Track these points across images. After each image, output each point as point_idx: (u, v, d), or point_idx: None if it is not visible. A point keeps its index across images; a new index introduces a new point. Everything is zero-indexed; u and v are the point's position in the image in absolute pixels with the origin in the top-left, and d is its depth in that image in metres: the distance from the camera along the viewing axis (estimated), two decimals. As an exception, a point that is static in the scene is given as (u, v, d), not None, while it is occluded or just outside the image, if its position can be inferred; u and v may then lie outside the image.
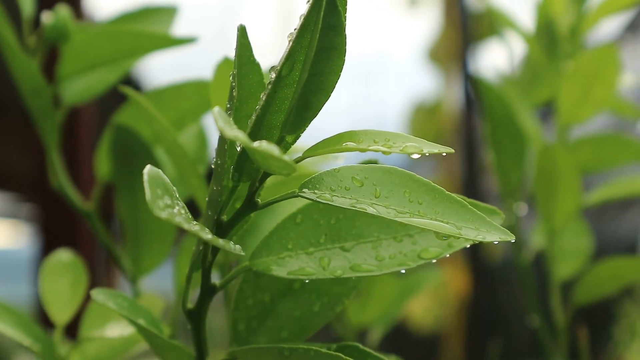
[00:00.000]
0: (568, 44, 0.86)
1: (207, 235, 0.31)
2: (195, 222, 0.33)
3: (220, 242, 0.32)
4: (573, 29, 0.86)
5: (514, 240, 0.35)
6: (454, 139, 2.69)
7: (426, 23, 3.04)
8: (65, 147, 1.61)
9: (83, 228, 1.81)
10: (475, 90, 0.89)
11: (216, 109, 0.29)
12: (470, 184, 2.57)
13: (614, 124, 2.20)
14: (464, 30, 2.82)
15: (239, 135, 0.28)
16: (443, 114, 2.81)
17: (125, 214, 0.67)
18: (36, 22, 0.68)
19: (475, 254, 2.54)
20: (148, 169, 0.31)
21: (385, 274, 0.94)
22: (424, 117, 2.81)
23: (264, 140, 0.29)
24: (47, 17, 0.65)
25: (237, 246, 0.34)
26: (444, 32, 2.85)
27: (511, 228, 0.90)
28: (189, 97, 0.68)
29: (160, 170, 0.32)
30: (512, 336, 2.99)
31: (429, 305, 2.43)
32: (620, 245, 2.67)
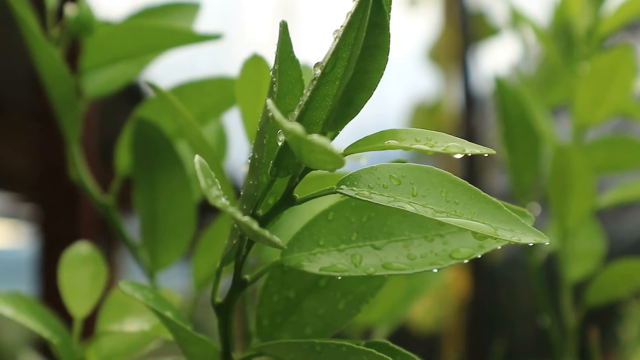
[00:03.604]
0: (584, 45, 0.86)
1: (255, 226, 0.31)
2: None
3: (267, 234, 0.32)
4: (590, 31, 0.86)
5: (548, 243, 0.36)
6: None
7: (426, 23, 3.04)
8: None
9: (83, 228, 1.81)
10: (492, 89, 0.88)
11: (269, 101, 0.30)
12: (470, 184, 2.57)
13: (614, 125, 2.21)
14: (464, 30, 2.82)
15: (296, 128, 0.28)
16: (443, 114, 2.81)
17: (143, 209, 0.67)
18: (59, 14, 0.68)
19: (476, 254, 2.53)
20: (197, 158, 0.32)
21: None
22: (424, 117, 2.82)
23: (315, 134, 0.29)
24: (70, 10, 0.65)
25: (278, 239, 0.34)
26: (444, 32, 2.85)
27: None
28: (212, 93, 0.68)
29: (205, 161, 0.32)
30: (512, 336, 2.99)
31: (430, 306, 2.43)
32: (621, 246, 2.68)
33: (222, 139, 0.73)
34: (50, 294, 1.75)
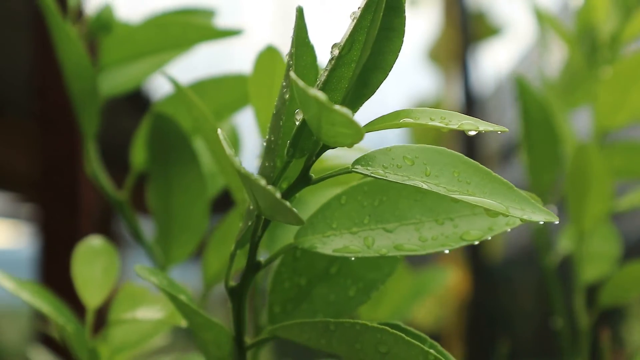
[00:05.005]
0: (608, 50, 0.86)
1: (278, 194, 0.32)
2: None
3: (287, 204, 0.33)
4: (614, 37, 0.86)
5: (557, 222, 0.36)
6: (454, 139, 2.71)
7: (426, 23, 3.05)
8: (68, 142, 1.61)
9: (83, 228, 1.81)
10: (514, 90, 0.88)
11: (292, 73, 0.30)
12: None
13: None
14: (464, 30, 2.84)
15: (318, 95, 0.29)
16: (443, 114, 2.81)
17: (158, 203, 0.68)
18: (79, 13, 0.69)
19: (476, 254, 2.55)
20: (219, 130, 0.32)
21: (400, 271, 0.95)
22: (423, 118, 2.82)
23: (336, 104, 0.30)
24: (91, 8, 0.66)
25: (297, 212, 0.34)
26: (444, 32, 2.86)
27: (540, 230, 0.91)
28: (228, 90, 0.69)
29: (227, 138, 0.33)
30: (512, 336, 3.00)
31: (430, 306, 2.43)
32: (622, 246, 2.68)
33: (234, 139, 0.74)
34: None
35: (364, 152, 0.59)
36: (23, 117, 3.05)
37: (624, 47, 0.88)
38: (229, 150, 0.31)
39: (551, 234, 0.94)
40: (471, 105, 2.84)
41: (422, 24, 3.09)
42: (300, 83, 0.29)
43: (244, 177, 0.31)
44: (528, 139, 0.87)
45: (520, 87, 0.86)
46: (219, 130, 0.32)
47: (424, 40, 2.92)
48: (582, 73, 0.91)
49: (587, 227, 0.85)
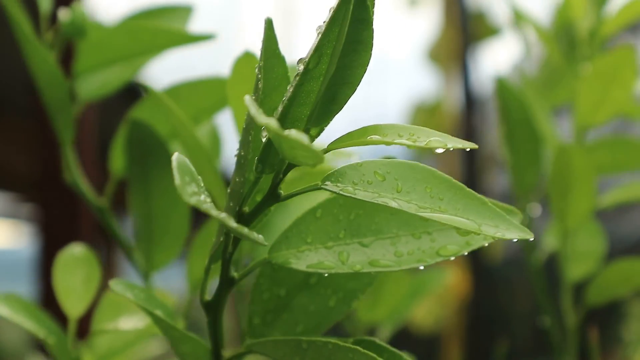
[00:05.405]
0: (587, 47, 0.86)
1: (233, 223, 0.31)
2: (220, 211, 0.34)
3: (245, 230, 0.32)
4: (592, 32, 0.86)
5: (532, 239, 0.36)
6: (454, 140, 2.70)
7: (426, 23, 3.05)
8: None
9: (83, 228, 1.81)
10: (494, 89, 0.88)
11: (247, 97, 0.30)
12: (470, 184, 2.57)
13: (613, 125, 2.20)
14: (464, 30, 2.83)
15: (270, 123, 0.28)
16: (443, 114, 2.81)
17: (138, 209, 0.67)
18: (52, 18, 0.68)
19: (475, 254, 2.55)
20: (176, 156, 0.32)
21: (399, 271, 0.95)
22: (424, 117, 2.82)
23: (293, 129, 0.29)
24: (64, 14, 0.65)
25: (260, 236, 0.34)
26: (444, 32, 2.86)
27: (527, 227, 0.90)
28: (205, 94, 0.68)
29: (186, 158, 0.32)
30: (512, 336, 2.99)
31: (430, 306, 2.43)
32: (621, 246, 2.68)
33: (215, 140, 0.74)
34: (50, 294, 1.75)
35: (351, 157, 0.59)
36: (23, 117, 3.05)
37: (603, 43, 0.88)
38: (178, 181, 0.30)
39: (539, 230, 0.94)
40: (471, 105, 2.83)
41: (422, 24, 3.09)
42: (252, 110, 0.28)
43: (196, 206, 0.31)
44: (510, 139, 0.87)
45: (500, 87, 0.86)
46: (174, 156, 0.32)
47: (424, 40, 2.91)
48: (562, 70, 0.90)
49: (572, 225, 0.85)
